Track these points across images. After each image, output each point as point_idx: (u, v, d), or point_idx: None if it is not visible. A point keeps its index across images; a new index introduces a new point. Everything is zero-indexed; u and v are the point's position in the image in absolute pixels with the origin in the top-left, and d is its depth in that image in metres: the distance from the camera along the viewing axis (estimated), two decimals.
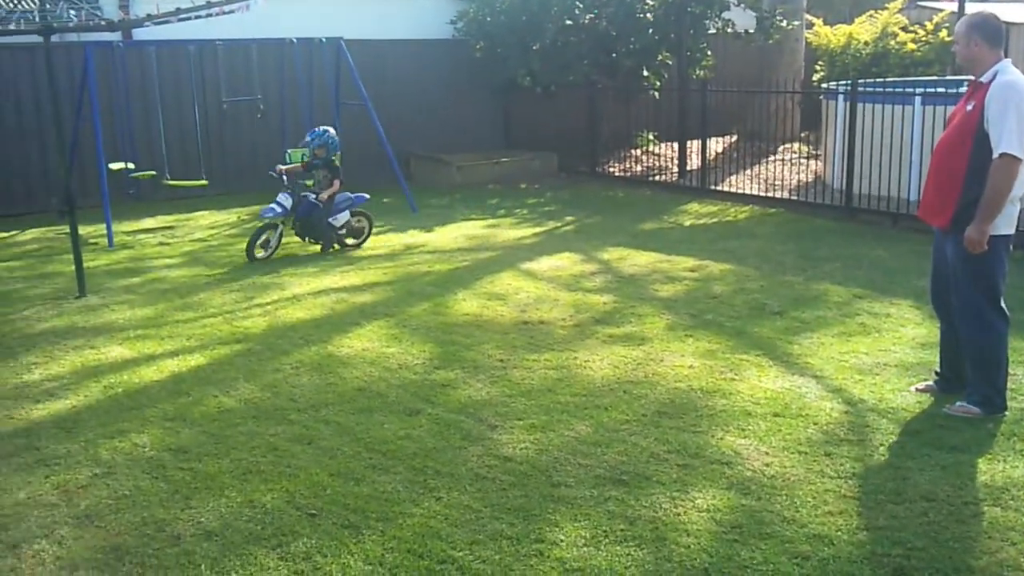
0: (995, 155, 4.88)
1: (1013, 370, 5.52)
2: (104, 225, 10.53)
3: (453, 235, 10.76)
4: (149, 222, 11.75)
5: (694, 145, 14.06)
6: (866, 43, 15.90)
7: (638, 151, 15.93)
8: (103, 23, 8.70)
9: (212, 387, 5.87)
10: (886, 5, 16.94)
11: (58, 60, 10.52)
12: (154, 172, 11.82)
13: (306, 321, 7.30)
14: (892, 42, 15.73)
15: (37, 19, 8.23)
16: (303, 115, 12.58)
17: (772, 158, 14.45)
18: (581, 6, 14.28)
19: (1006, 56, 5.14)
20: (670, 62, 14.83)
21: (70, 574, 3.81)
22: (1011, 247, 5.23)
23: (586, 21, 14.30)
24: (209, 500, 4.39)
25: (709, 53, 15.00)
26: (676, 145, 14.62)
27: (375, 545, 3.97)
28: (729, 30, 14.80)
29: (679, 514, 4.17)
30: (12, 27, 8.29)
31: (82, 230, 8.87)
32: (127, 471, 4.71)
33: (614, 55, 14.53)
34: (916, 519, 4.09)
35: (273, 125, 12.93)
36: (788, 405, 5.42)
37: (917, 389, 5.60)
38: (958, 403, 5.25)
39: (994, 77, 4.97)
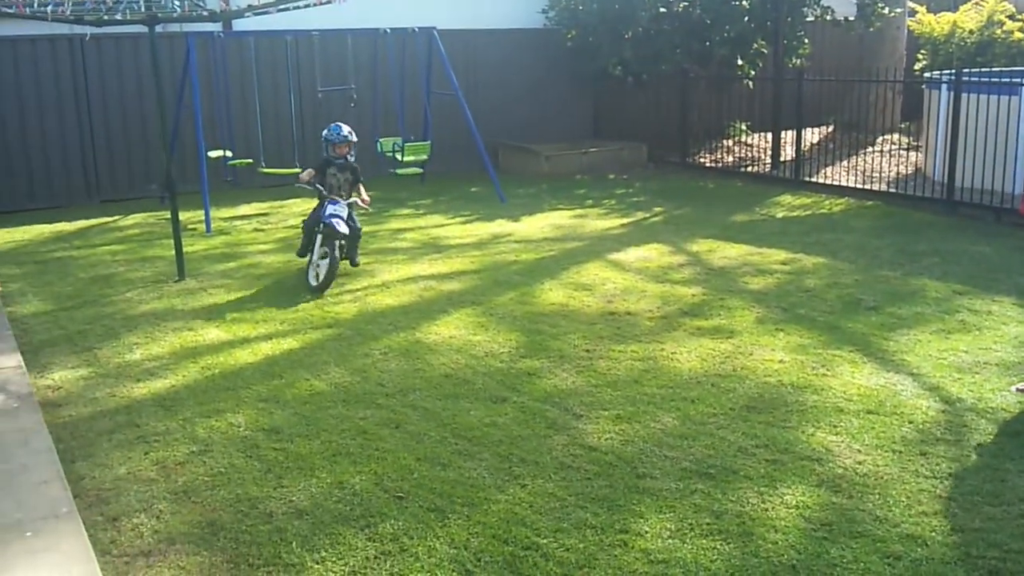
0: None
1: None
2: (203, 211, 10.85)
3: (540, 225, 10.77)
4: (245, 209, 12.06)
5: (788, 136, 13.77)
6: (971, 31, 15.32)
7: (730, 141, 15.67)
8: (205, 13, 8.94)
9: (304, 370, 6.01)
10: None
11: (161, 49, 10.87)
12: (251, 160, 12.13)
13: (395, 308, 7.41)
14: (998, 31, 15.11)
15: (143, 9, 8.51)
16: (395, 104, 12.74)
17: (870, 149, 14.05)
18: None
19: None
20: (765, 51, 14.53)
21: (168, 547, 3.95)
22: None
23: (679, 9, 14.12)
24: (300, 480, 4.50)
25: (806, 41, 14.65)
26: (770, 135, 14.33)
27: (460, 529, 4.01)
28: (828, 17, 14.44)
29: (767, 510, 4.11)
30: (119, 16, 8.58)
31: (182, 216, 9.15)
32: (223, 449, 4.86)
33: (707, 43, 14.31)
34: (1013, 521, 3.95)
35: (365, 114, 13.12)
36: (882, 402, 5.28)
37: (1018, 389, 5.40)
38: None
39: None
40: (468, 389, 5.64)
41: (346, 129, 8.39)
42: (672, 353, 6.21)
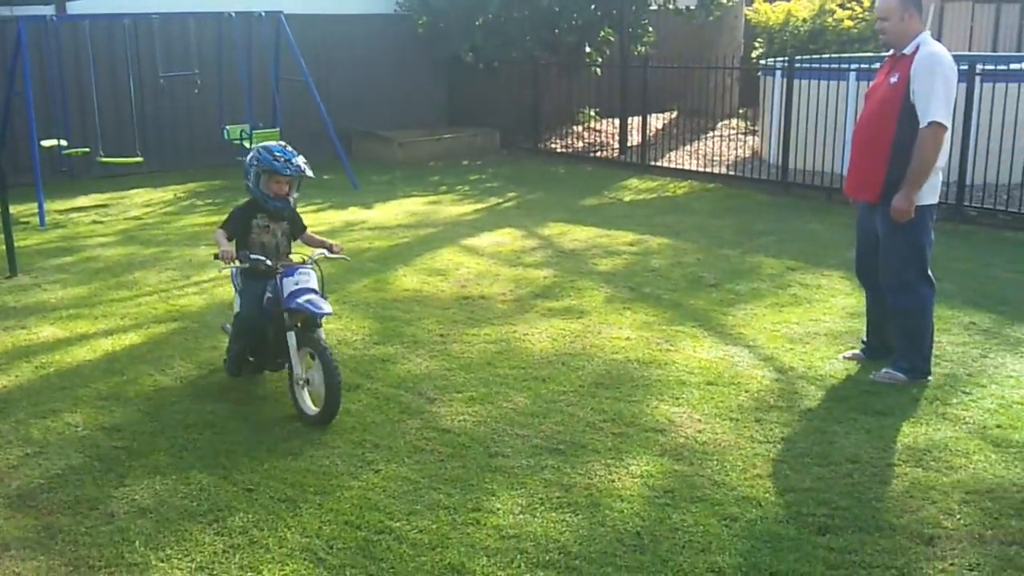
0: (923, 124, 5.01)
1: (938, 338, 5.69)
2: (36, 203, 10.30)
3: (394, 212, 10.72)
4: (83, 200, 11.51)
5: (635, 121, 14.15)
6: (804, 20, 16.10)
7: (580, 127, 15.99)
8: None
9: (147, 365, 5.81)
10: None
11: None
12: (88, 149, 11.56)
13: None
14: (829, 19, 15.96)
15: None
16: (242, 91, 12.40)
17: (711, 134, 14.61)
18: None
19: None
20: (612, 38, 14.88)
21: (1, 553, 3.77)
22: (935, 217, 5.38)
23: None
24: (143, 478, 4.36)
25: (651, 29, 15.07)
26: (617, 121, 14.70)
27: (312, 518, 3.98)
28: (671, 6, 14.89)
29: (613, 481, 4.25)
30: None
31: (13, 209, 8.66)
32: (59, 450, 4.66)
33: (556, 31, 14.54)
34: (841, 480, 4.22)
35: (211, 100, 12.73)
36: (721, 374, 5.53)
37: (845, 357, 5.75)
38: (884, 370, 5.40)
39: (916, 49, 5.10)
40: None
41: (300, 158, 5.17)
42: (524, 334, 6.32)
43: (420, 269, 8.07)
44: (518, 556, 3.65)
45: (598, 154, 14.59)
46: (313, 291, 4.99)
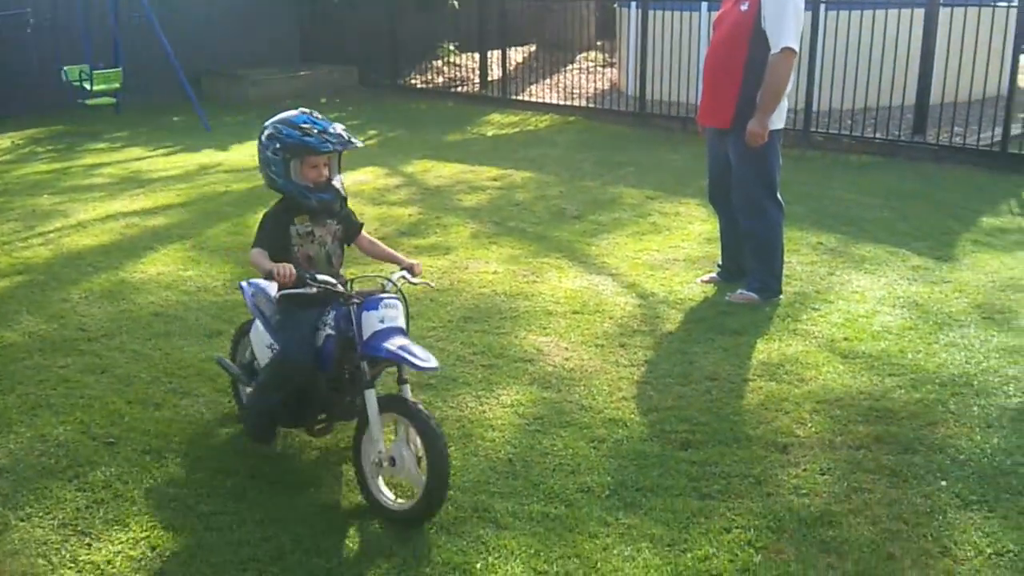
0: (775, 50, 5.16)
1: (787, 258, 5.94)
2: None
3: (251, 152, 10.28)
4: None
5: (495, 55, 14.08)
6: None
7: (440, 62, 15.79)
8: None
9: None
10: None
11: None
12: None
13: (94, 248, 6.92)
14: None
15: None
16: (79, 30, 11.69)
17: (571, 67, 14.67)
18: None
19: None
20: None
21: None
22: (782, 141, 5.58)
23: None
24: None
25: None
26: (477, 56, 14.59)
27: (179, 468, 3.89)
28: None
29: (484, 411, 4.31)
30: None
31: None
32: None
33: None
34: (700, 397, 4.40)
35: (46, 40, 11.95)
36: (586, 303, 5.64)
37: (702, 280, 5.95)
38: (739, 291, 5.62)
39: None
40: (181, 326, 5.41)
41: (337, 124, 3.77)
42: (391, 273, 6.26)
43: None
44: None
45: (459, 89, 14.47)
46: (403, 332, 3.62)
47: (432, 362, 3.47)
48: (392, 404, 3.56)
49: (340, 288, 3.62)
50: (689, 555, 3.25)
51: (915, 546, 3.26)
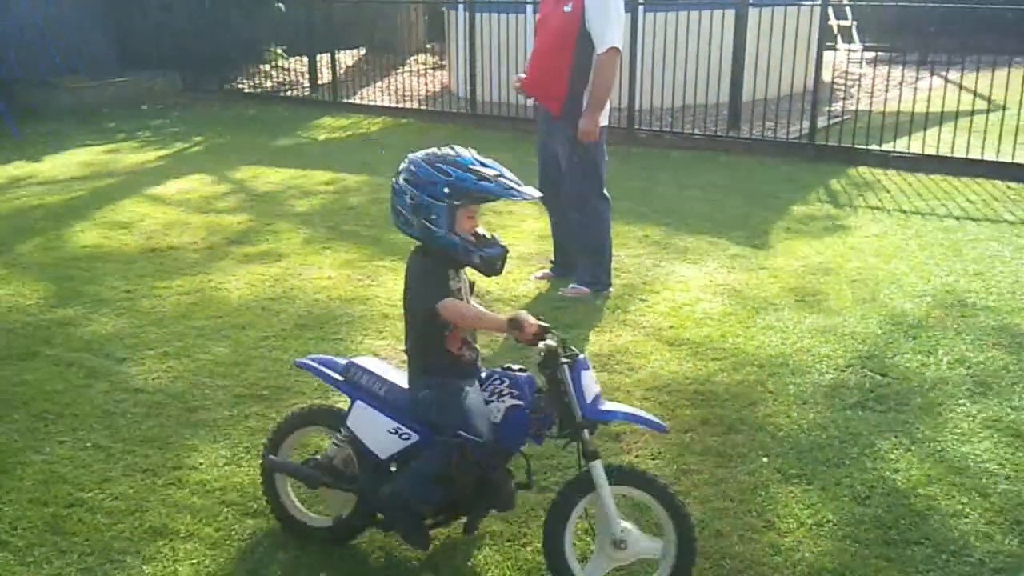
0: (600, 50, 5.30)
1: (616, 252, 6.11)
2: None
3: (66, 163, 9.86)
4: None
5: (324, 59, 13.88)
6: None
7: (268, 67, 15.43)
8: None
9: None
10: None
11: None
12: None
13: None
14: None
15: None
16: None
17: (402, 70, 14.64)
18: None
19: None
20: None
21: None
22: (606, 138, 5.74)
23: None
24: None
25: None
26: (306, 59, 14.34)
27: None
28: None
29: None
30: None
31: None
32: None
33: None
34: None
35: None
36: None
37: (536, 277, 6.05)
38: (571, 285, 5.75)
39: None
40: None
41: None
42: (221, 283, 6.09)
43: (100, 223, 7.51)
44: (225, 509, 3.56)
45: (289, 93, 14.19)
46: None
47: (663, 423, 3.13)
48: (629, 478, 3.03)
49: (559, 348, 3.04)
50: (529, 548, 3.29)
51: (741, 522, 3.41)
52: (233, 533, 3.41)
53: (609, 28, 5.30)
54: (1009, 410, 4.14)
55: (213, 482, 3.76)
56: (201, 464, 3.90)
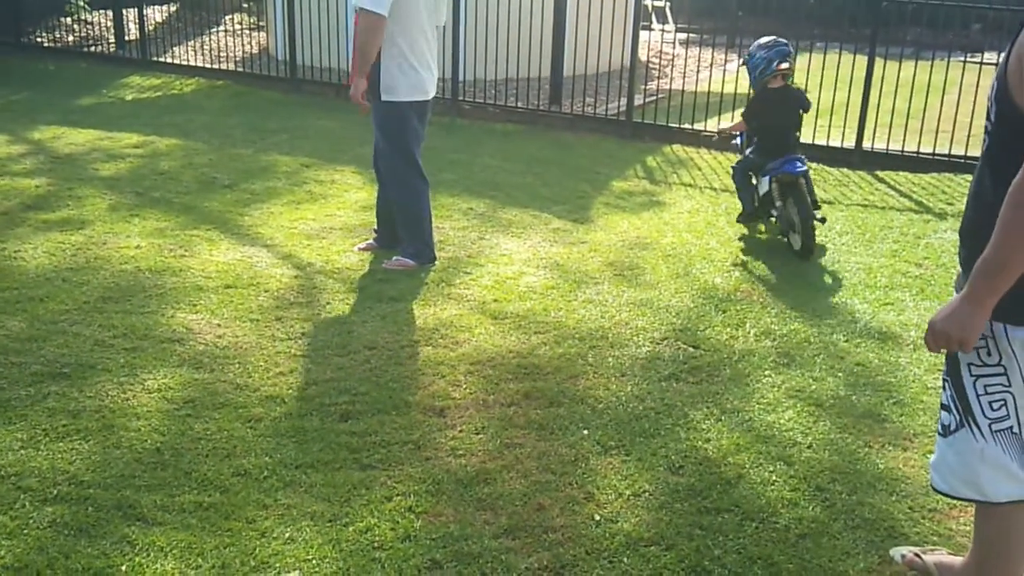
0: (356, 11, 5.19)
1: (440, 224, 6.11)
2: None
3: None
4: None
5: (131, 14, 13.08)
6: None
7: (70, 20, 14.38)
8: None
9: None
10: None
11: None
12: None
13: None
14: None
15: None
16: None
17: (217, 29, 13.99)
18: None
19: None
20: None
21: None
22: (424, 114, 5.63)
23: None
24: None
25: None
26: (112, 13, 13.46)
27: None
28: None
29: (128, 399, 4.01)
30: None
31: None
32: None
33: None
34: (360, 367, 4.40)
35: None
36: (240, 276, 5.43)
37: (360, 248, 5.95)
38: (394, 258, 5.69)
39: None
40: None
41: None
42: (16, 252, 5.65)
43: None
44: (21, 496, 3.31)
45: (93, 49, 13.29)
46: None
47: None
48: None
49: None
50: (351, 528, 3.24)
51: (562, 494, 3.48)
52: (31, 521, 3.18)
53: None
54: (811, 381, 4.41)
55: (8, 467, 3.49)
56: None
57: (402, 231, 5.69)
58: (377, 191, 5.97)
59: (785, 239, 6.25)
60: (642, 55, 12.19)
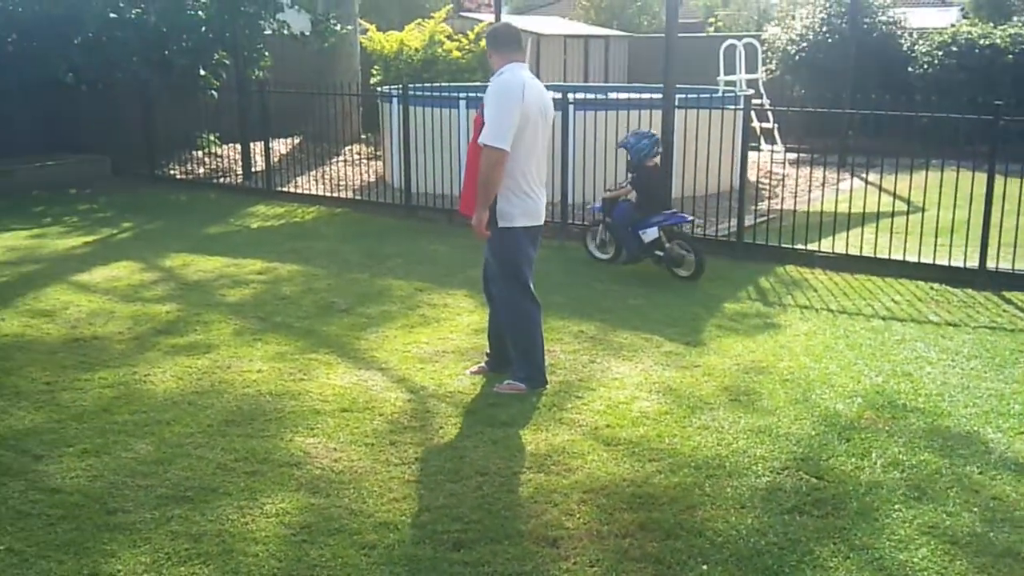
0: (481, 144, 5.36)
1: (551, 347, 6.12)
2: None
3: None
4: None
5: (258, 147, 13.86)
6: (416, 49, 16.71)
7: (200, 153, 15.34)
8: None
9: None
10: (432, 14, 17.95)
11: None
12: None
13: None
14: (440, 49, 16.69)
15: None
16: None
17: (337, 159, 14.68)
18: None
19: (528, 61, 5.67)
20: (227, 62, 14.44)
21: None
22: (536, 238, 5.74)
23: (132, 15, 13.44)
24: None
25: (267, 54, 14.83)
26: (239, 147, 14.30)
27: None
28: (285, 32, 14.75)
29: (247, 523, 4.08)
30: None
31: None
32: None
33: (166, 52, 13.83)
34: (472, 494, 4.38)
35: None
36: (356, 399, 5.53)
37: (471, 372, 6.00)
38: (506, 382, 5.71)
39: (496, 78, 5.47)
40: None
41: (631, 142, 8.70)
42: (146, 376, 5.91)
43: (22, 311, 7.27)
44: None
45: (221, 180, 14.08)
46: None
47: None
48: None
49: None
50: None
51: None
52: None
53: (490, 125, 5.31)
54: (944, 516, 4.18)
55: None
56: (119, 571, 3.71)
57: (514, 354, 5.72)
58: (488, 315, 6.05)
59: (671, 270, 8.43)
60: (751, 175, 12.21)
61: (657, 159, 8.69)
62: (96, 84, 13.59)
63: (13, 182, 13.05)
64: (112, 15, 13.24)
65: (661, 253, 8.44)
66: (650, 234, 8.44)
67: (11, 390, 5.61)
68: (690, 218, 8.81)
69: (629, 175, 8.71)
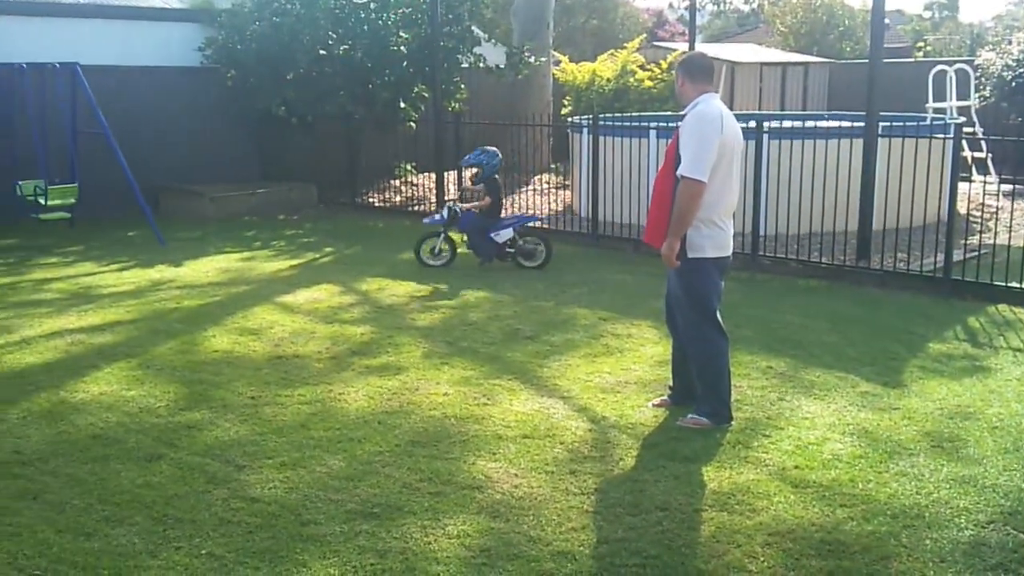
0: (679, 178, 5.29)
1: (737, 382, 5.96)
2: None
3: (205, 269, 10.33)
4: None
5: (451, 176, 14.31)
6: (608, 80, 16.82)
7: (397, 182, 16.00)
8: None
9: None
10: (625, 45, 18.03)
11: None
12: None
13: (36, 366, 6.75)
14: (631, 79, 16.73)
15: None
16: (36, 143, 11.70)
17: (527, 188, 14.94)
18: (334, 37, 14.21)
19: (721, 91, 5.59)
20: (426, 94, 15.04)
21: None
22: (725, 269, 5.63)
23: (340, 52, 14.24)
24: None
25: (463, 86, 15.33)
26: (434, 176, 14.81)
27: None
28: (481, 65, 15.21)
29: (429, 543, 4.18)
30: None
31: None
32: None
33: (370, 86, 14.55)
34: (651, 528, 4.31)
35: (3, 153, 11.94)
36: (537, 426, 5.58)
37: (654, 404, 5.93)
38: (689, 415, 5.60)
39: (692, 109, 5.41)
40: (119, 449, 5.25)
41: (481, 157, 10.20)
42: (340, 394, 6.18)
43: (232, 329, 7.78)
44: None
45: (416, 208, 14.63)
46: (440, 215, 10.38)
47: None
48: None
49: None
50: None
51: None
52: None
53: (686, 157, 5.25)
54: None
55: None
56: None
57: (700, 388, 5.61)
58: (672, 346, 5.97)
59: (524, 263, 10.05)
60: (961, 208, 11.50)
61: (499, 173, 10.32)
62: (305, 117, 14.46)
63: (228, 208, 14.05)
64: (321, 52, 14.07)
65: (512, 250, 9.99)
66: (504, 235, 9.94)
67: (220, 403, 6.00)
68: (539, 217, 11.11)
69: (480, 186, 10.13)
